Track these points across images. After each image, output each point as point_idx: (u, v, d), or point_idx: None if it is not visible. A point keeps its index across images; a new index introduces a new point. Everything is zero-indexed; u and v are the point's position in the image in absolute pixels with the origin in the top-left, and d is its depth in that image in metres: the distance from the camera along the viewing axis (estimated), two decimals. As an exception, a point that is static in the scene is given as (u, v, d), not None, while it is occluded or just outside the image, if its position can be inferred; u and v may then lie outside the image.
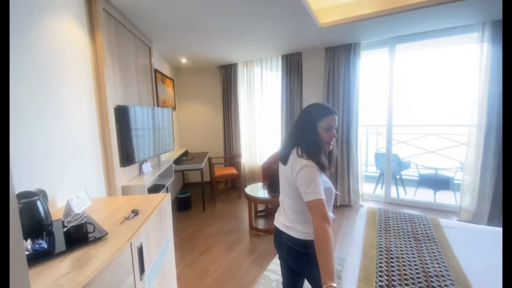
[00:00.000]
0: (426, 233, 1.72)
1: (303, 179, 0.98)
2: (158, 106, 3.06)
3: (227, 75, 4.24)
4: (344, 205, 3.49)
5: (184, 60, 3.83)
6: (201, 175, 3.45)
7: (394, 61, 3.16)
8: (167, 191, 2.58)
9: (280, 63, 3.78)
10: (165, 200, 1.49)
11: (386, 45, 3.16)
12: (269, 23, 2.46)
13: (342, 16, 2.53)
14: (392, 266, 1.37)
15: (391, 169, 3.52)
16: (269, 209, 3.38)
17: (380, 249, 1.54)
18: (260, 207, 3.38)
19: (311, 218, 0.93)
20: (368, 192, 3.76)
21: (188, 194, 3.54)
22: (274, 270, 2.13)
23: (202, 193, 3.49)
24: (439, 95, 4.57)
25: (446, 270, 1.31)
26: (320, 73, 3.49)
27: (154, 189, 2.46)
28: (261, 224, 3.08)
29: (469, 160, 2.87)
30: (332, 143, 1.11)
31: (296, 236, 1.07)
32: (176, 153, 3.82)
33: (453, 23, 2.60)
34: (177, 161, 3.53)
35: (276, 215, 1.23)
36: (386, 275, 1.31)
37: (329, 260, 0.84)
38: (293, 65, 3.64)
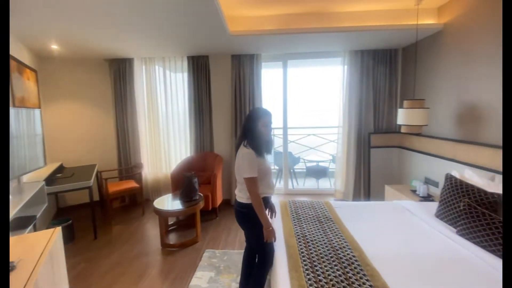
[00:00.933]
0: (325, 214, 2.13)
1: (244, 162, 1.47)
2: (14, 106, 2.18)
3: (120, 71, 3.58)
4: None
5: (54, 47, 2.90)
6: (89, 194, 2.73)
7: (287, 73, 3.72)
8: (35, 225, 1.88)
9: (186, 64, 3.59)
10: (54, 238, 1.09)
11: (280, 59, 3.67)
12: (177, 20, 2.28)
13: (249, 28, 2.72)
14: (310, 249, 1.61)
15: (287, 165, 4.11)
16: (181, 222, 3.14)
17: (298, 237, 1.76)
18: (171, 221, 3.09)
19: (247, 189, 1.48)
20: (271, 188, 4.23)
21: (70, 222, 2.72)
22: (198, 284, 2.01)
23: (92, 217, 2.78)
24: (318, 103, 5.75)
25: (345, 242, 1.68)
26: (227, 77, 3.59)
27: (18, 224, 1.73)
28: (174, 239, 2.81)
29: (338, 153, 3.79)
30: (271, 135, 1.61)
31: (240, 200, 1.58)
32: (46, 170, 2.85)
33: (327, 48, 3.35)
34: (49, 181, 2.63)
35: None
36: (308, 258, 1.51)
37: (262, 215, 1.48)
38: (200, 67, 3.55)
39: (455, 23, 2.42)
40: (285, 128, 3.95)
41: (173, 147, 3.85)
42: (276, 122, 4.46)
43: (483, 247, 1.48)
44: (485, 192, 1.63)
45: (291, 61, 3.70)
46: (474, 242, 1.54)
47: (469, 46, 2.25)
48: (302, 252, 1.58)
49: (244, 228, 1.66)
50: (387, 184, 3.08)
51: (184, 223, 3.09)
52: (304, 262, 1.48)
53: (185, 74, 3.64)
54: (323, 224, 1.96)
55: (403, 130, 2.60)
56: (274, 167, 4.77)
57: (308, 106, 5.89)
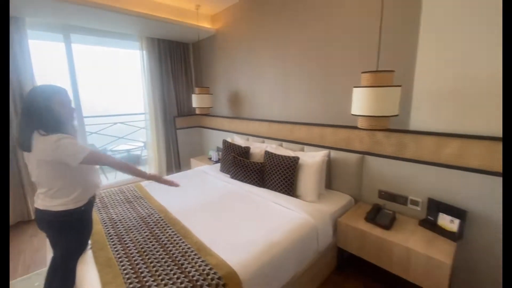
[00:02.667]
0: (134, 194, 2.19)
1: (65, 148, 1.13)
2: None
3: None
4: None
5: None
6: None
7: (72, 50, 3.06)
8: None
9: None
10: None
11: (60, 31, 2.94)
12: None
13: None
14: (117, 227, 1.63)
15: (90, 159, 3.53)
16: None
17: (104, 221, 1.70)
18: None
19: (104, 164, 1.29)
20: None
21: None
22: None
23: None
24: (121, 89, 5.25)
25: (153, 209, 1.87)
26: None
27: None
28: None
29: (148, 139, 3.85)
30: (74, 118, 1.31)
31: (57, 209, 1.21)
32: None
33: (120, 30, 3.15)
34: None
35: (35, 198, 1.26)
36: (115, 235, 1.54)
37: (135, 171, 1.39)
38: None
39: (223, 30, 3.27)
40: (80, 117, 3.31)
41: None
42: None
43: (243, 181, 2.30)
44: (241, 147, 2.51)
45: (76, 36, 3.08)
46: (239, 179, 2.34)
47: (232, 49, 3.16)
48: (109, 232, 1.57)
49: (65, 240, 1.27)
50: (192, 157, 3.67)
51: None
52: (111, 239, 1.50)
53: None
54: (132, 203, 2.02)
55: (197, 112, 3.19)
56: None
57: (110, 92, 5.27)
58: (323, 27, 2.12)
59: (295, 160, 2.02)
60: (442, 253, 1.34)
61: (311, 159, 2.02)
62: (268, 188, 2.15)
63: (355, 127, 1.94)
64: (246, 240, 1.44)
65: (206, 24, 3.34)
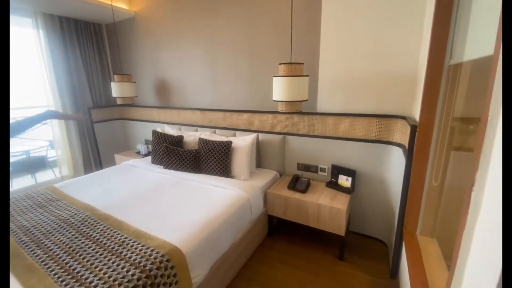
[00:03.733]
0: (48, 197, 1.91)
1: None
2: None
3: None
4: None
5: None
6: None
7: None
8: None
9: None
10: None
11: None
12: None
13: None
14: (33, 234, 1.44)
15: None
16: None
17: (13, 231, 1.47)
18: None
19: None
20: None
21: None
22: None
23: None
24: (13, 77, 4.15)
25: (76, 209, 1.70)
26: None
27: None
28: None
29: (56, 137, 3.28)
30: None
31: None
32: None
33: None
34: None
35: None
36: (32, 241, 1.36)
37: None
38: None
39: (144, 13, 3.04)
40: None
41: None
42: None
43: (178, 169, 2.32)
44: (174, 137, 2.51)
45: None
46: (173, 169, 2.35)
47: (155, 34, 2.99)
48: (22, 240, 1.38)
49: None
50: (116, 153, 3.35)
51: None
52: (27, 246, 1.33)
53: None
54: (46, 207, 1.78)
55: (119, 102, 2.92)
56: None
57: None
58: (246, 18, 2.30)
59: (228, 144, 2.18)
60: (340, 203, 1.78)
61: (243, 142, 2.23)
62: (204, 173, 2.25)
63: (277, 112, 2.25)
64: (186, 221, 1.53)
65: (123, 5, 3.03)
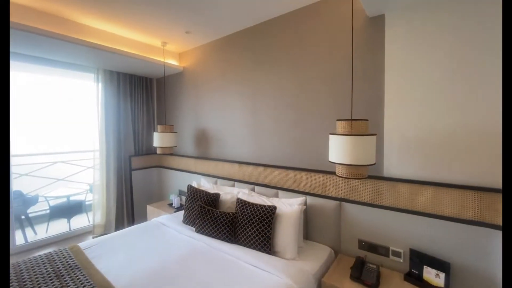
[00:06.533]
0: (68, 263, 1.69)
1: None
2: None
3: None
4: None
5: None
6: None
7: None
8: None
9: None
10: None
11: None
12: None
13: None
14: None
15: (13, 211, 2.80)
16: None
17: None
18: None
19: None
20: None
21: None
22: None
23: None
24: (64, 123, 4.61)
25: (92, 285, 1.43)
26: None
27: None
28: None
29: (96, 181, 3.29)
30: None
31: None
32: None
33: (71, 59, 2.80)
34: None
35: None
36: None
37: None
38: None
39: (190, 68, 3.17)
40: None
41: None
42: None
43: (211, 235, 1.98)
44: (209, 194, 2.23)
45: (14, 63, 2.62)
46: (206, 234, 2.02)
47: (199, 87, 3.04)
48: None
49: None
50: (149, 204, 3.19)
51: None
52: None
53: None
54: (63, 278, 1.54)
55: (158, 151, 2.86)
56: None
57: (52, 126, 4.58)
58: (294, 69, 2.16)
59: (272, 210, 1.83)
60: (438, 319, 1.21)
61: (289, 208, 1.86)
62: (241, 244, 1.87)
63: (331, 173, 1.89)
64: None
65: (173, 61, 3.22)
